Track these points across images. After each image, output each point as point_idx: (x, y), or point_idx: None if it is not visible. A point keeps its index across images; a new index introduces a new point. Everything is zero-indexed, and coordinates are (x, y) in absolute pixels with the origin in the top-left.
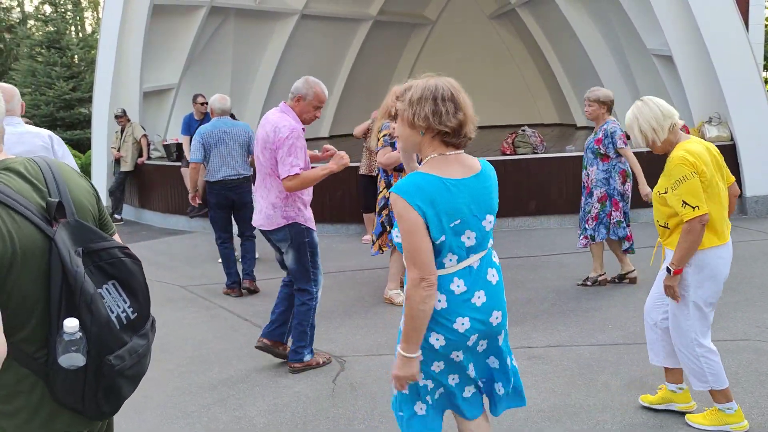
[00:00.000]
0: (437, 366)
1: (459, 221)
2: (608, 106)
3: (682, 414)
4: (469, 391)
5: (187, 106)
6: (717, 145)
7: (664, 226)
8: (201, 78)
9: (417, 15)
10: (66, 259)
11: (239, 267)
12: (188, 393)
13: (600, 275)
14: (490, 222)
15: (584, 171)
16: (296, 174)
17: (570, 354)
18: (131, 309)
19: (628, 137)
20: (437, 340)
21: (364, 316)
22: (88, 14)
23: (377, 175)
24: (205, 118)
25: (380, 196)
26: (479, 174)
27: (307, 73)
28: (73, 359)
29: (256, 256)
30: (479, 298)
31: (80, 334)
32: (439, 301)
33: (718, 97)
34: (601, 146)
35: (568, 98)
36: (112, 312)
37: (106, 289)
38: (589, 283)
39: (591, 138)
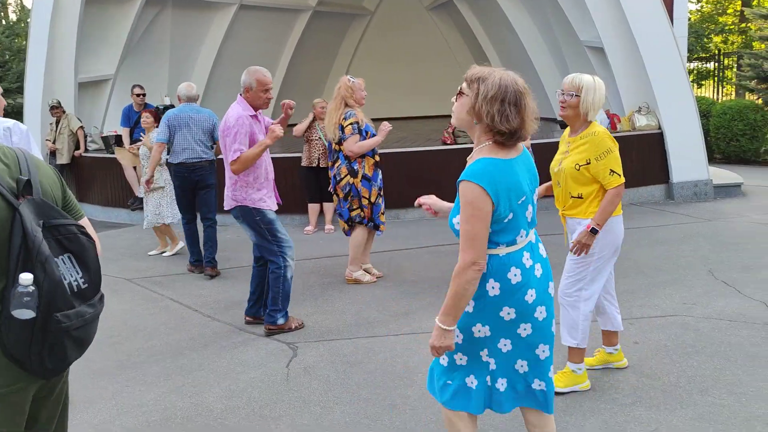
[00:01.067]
0: (504, 344)
1: (524, 198)
2: None
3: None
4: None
5: (125, 97)
6: (646, 134)
7: (578, 197)
8: (138, 68)
9: (356, 6)
10: (27, 225)
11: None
12: (142, 383)
13: None
14: (536, 195)
15: None
16: (237, 158)
17: None
18: (83, 280)
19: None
20: (508, 314)
21: (314, 303)
22: (11, 1)
23: (317, 166)
24: (145, 108)
25: (344, 182)
26: (524, 151)
27: (246, 64)
28: (24, 312)
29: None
30: (538, 270)
31: (33, 288)
32: (515, 275)
33: (647, 87)
34: None
35: None
36: (65, 279)
37: (62, 260)
38: None
39: None
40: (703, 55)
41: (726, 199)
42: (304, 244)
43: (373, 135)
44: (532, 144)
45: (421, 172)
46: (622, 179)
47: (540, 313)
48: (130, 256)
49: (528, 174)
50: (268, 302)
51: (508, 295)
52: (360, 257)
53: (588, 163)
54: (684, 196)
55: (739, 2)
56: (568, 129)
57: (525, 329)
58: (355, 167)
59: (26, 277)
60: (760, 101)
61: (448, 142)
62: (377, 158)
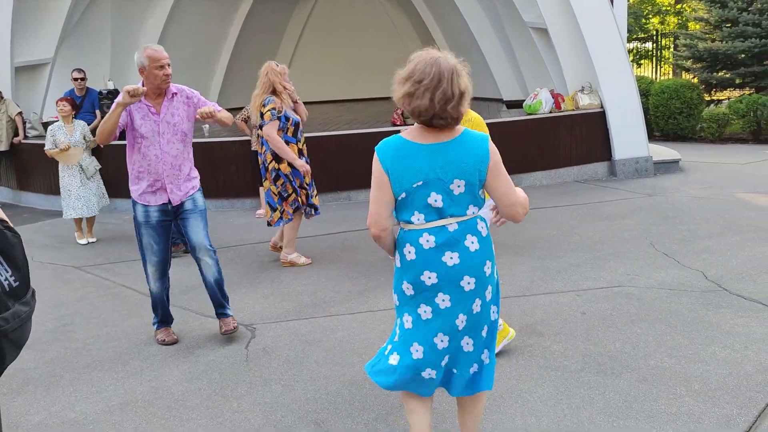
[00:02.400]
0: (406, 319)
1: (421, 182)
2: None
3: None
4: (429, 372)
5: (65, 81)
6: (589, 113)
7: None
8: (78, 52)
9: None
10: None
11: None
12: (99, 369)
13: None
14: (459, 186)
15: None
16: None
17: None
18: (13, 278)
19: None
20: (407, 289)
21: (269, 285)
22: None
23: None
24: (87, 93)
25: (270, 167)
26: (454, 140)
27: (191, 46)
28: None
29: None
30: (451, 258)
31: None
32: (409, 252)
33: (589, 67)
34: None
35: None
36: None
37: None
38: None
39: None
40: (642, 36)
41: (665, 175)
42: (257, 227)
43: (296, 121)
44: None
45: (371, 154)
46: None
47: (442, 301)
48: (77, 244)
49: (443, 162)
50: None
51: (405, 269)
52: (294, 240)
53: None
54: (626, 173)
55: None
56: None
57: (425, 311)
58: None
59: None
60: (695, 80)
61: (398, 123)
62: (301, 145)
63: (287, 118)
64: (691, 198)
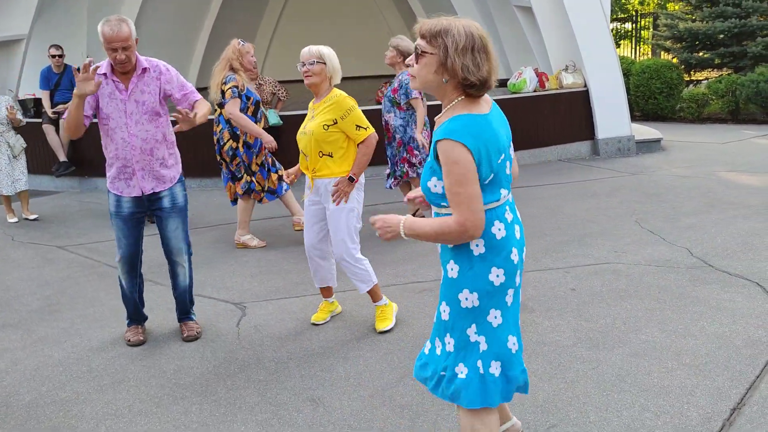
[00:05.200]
0: (494, 316)
1: (503, 155)
2: (405, 56)
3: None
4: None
5: (42, 58)
6: (572, 92)
7: (329, 155)
8: (55, 28)
9: None
10: None
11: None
12: (89, 349)
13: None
14: (512, 150)
15: (383, 118)
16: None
17: None
18: None
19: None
20: (497, 277)
21: (256, 264)
22: None
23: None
24: (65, 70)
25: (227, 146)
26: (494, 105)
27: (171, 20)
28: None
29: None
30: (517, 231)
31: None
32: (499, 230)
33: (573, 46)
34: (396, 95)
35: None
36: None
37: None
38: None
39: (389, 87)
40: (622, 16)
41: (647, 154)
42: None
43: (256, 100)
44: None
45: None
46: (369, 131)
47: (518, 278)
48: (59, 224)
49: (503, 128)
50: None
51: (494, 252)
52: (247, 222)
53: (335, 123)
54: (609, 152)
55: None
56: (314, 99)
57: (509, 297)
58: (237, 131)
59: None
60: (675, 60)
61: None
62: (260, 125)
63: (248, 97)
64: (674, 176)
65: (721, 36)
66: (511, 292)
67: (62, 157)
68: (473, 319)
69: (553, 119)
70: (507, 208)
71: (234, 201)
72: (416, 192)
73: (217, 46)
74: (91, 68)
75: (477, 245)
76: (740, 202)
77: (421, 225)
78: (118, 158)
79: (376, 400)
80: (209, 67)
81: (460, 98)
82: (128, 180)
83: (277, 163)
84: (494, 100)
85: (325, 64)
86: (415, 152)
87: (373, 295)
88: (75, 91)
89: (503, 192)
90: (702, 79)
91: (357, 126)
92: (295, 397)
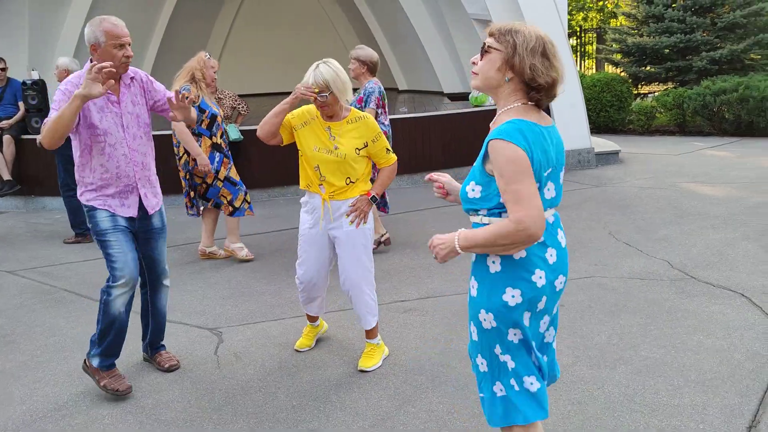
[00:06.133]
0: (514, 333)
1: (550, 170)
2: (369, 66)
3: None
4: (532, 383)
5: None
6: None
7: (353, 181)
8: None
9: None
10: None
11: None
12: (54, 383)
13: (382, 234)
14: (563, 174)
15: None
16: (43, 123)
17: (442, 304)
18: None
19: (383, 104)
20: (512, 297)
21: (227, 286)
22: None
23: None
24: (8, 83)
25: (182, 161)
26: (553, 124)
27: None
28: None
29: None
30: (551, 255)
31: None
32: (521, 250)
33: None
34: (361, 105)
35: (390, 63)
36: None
37: None
38: (374, 246)
39: (354, 98)
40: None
41: (607, 166)
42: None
43: (212, 113)
44: (426, 116)
45: None
46: (394, 155)
47: (544, 303)
48: (5, 246)
49: (555, 148)
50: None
51: (511, 271)
52: (212, 234)
53: (366, 146)
54: (570, 164)
55: None
56: (314, 115)
57: (526, 318)
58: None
59: None
60: (623, 74)
61: None
62: (217, 140)
63: (202, 110)
64: (638, 188)
65: (667, 51)
66: (527, 315)
67: (6, 176)
68: (496, 340)
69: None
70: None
71: (195, 213)
72: (443, 177)
73: (166, 58)
74: (97, 66)
75: (494, 262)
76: (706, 212)
77: (475, 234)
78: (120, 178)
79: (377, 430)
80: (160, 76)
81: (517, 103)
82: (124, 200)
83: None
84: (457, 113)
85: (335, 92)
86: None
87: (371, 330)
88: (79, 91)
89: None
90: (649, 93)
91: (387, 149)
92: (290, 430)
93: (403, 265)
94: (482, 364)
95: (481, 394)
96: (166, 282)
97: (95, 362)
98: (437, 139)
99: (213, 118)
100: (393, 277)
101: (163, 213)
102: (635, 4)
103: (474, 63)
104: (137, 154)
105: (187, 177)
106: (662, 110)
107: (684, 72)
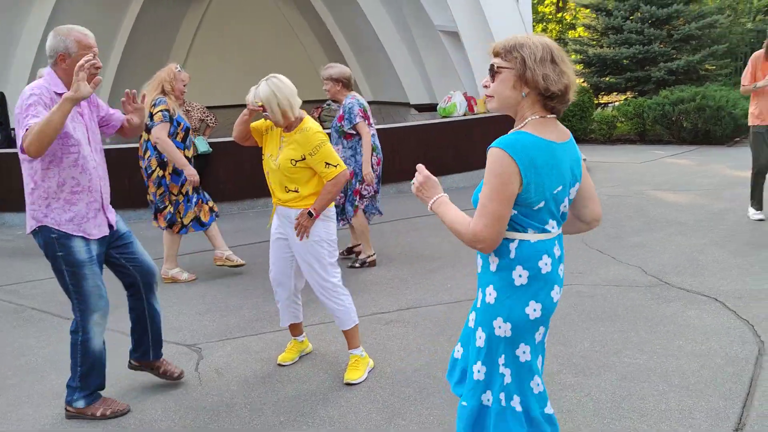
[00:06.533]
0: (522, 351)
1: (561, 187)
2: (343, 83)
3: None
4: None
5: None
6: (500, 115)
7: (295, 191)
8: None
9: None
10: None
11: None
12: (30, 404)
13: (369, 255)
14: (575, 190)
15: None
16: (27, 130)
17: (422, 315)
18: None
19: (365, 116)
20: (534, 311)
21: (202, 301)
22: None
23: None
24: None
25: (154, 175)
26: (571, 139)
27: None
28: None
29: None
30: (561, 269)
31: None
32: (546, 264)
33: None
34: (342, 123)
35: (355, 74)
36: None
37: None
38: (357, 265)
39: (336, 115)
40: None
41: None
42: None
43: (186, 126)
44: (396, 127)
45: None
46: (339, 168)
47: (550, 319)
48: None
49: (571, 163)
50: (71, 371)
51: (537, 286)
52: (174, 255)
53: (303, 159)
54: None
55: None
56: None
57: (540, 334)
58: (165, 159)
59: None
60: (585, 84)
61: None
62: (190, 153)
63: (178, 123)
64: (606, 196)
65: (626, 61)
66: (542, 329)
67: None
68: (503, 350)
69: (483, 142)
70: (556, 242)
71: (165, 227)
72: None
73: (128, 68)
74: (86, 61)
75: (521, 275)
76: (674, 219)
77: (445, 210)
78: (91, 191)
79: None
80: (120, 90)
81: (535, 116)
82: (95, 218)
83: (206, 194)
84: (427, 124)
85: (273, 110)
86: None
87: (351, 339)
88: (69, 94)
89: (552, 224)
90: (609, 103)
91: (326, 163)
92: None
93: (379, 276)
94: (479, 372)
95: (464, 403)
96: (155, 281)
97: (81, 404)
98: (408, 150)
99: (187, 131)
100: (370, 288)
101: (119, 218)
102: (595, 16)
103: (486, 86)
104: (101, 168)
105: (162, 192)
106: (623, 119)
107: (643, 82)
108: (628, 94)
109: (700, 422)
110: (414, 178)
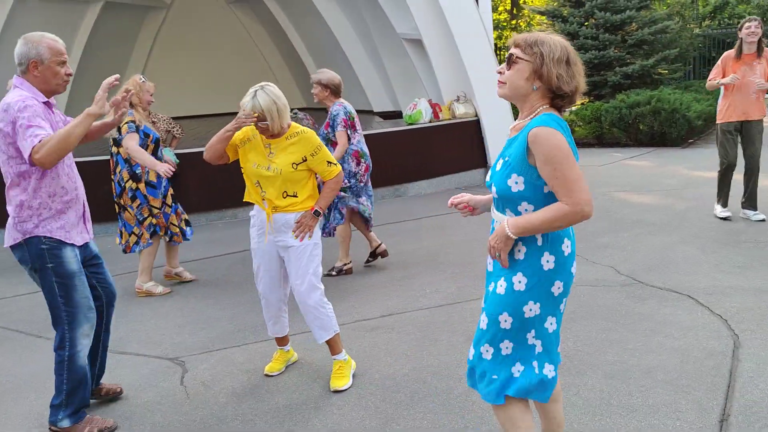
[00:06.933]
0: (550, 323)
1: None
2: (332, 89)
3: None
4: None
5: None
6: (465, 121)
7: (294, 195)
8: None
9: None
10: None
11: None
12: (10, 427)
13: (345, 263)
14: None
15: None
16: (40, 142)
17: (405, 320)
18: None
19: (352, 123)
20: (558, 288)
21: (180, 314)
22: None
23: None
24: None
25: (127, 188)
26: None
27: None
28: None
29: None
30: (574, 245)
31: None
32: (567, 246)
33: (464, 77)
34: (329, 130)
35: None
36: None
37: None
38: (334, 273)
39: (323, 123)
40: None
41: None
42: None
43: (156, 137)
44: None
45: None
46: (338, 167)
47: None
48: None
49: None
50: (55, 390)
51: (560, 267)
52: (150, 268)
53: (304, 161)
54: None
55: (509, 1)
56: (256, 133)
57: (563, 305)
58: (138, 171)
59: None
60: None
61: None
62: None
63: (146, 134)
64: None
65: (583, 67)
66: (565, 300)
67: None
68: (533, 326)
69: (448, 148)
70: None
71: (126, 251)
72: (462, 197)
73: (84, 79)
74: (110, 83)
75: (548, 261)
76: (640, 219)
77: (528, 219)
78: (78, 199)
79: None
80: (76, 102)
81: (543, 106)
82: (77, 226)
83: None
84: (393, 131)
85: (273, 119)
86: (353, 185)
87: (334, 346)
88: (92, 109)
89: None
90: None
91: (328, 162)
92: None
93: (357, 284)
94: (507, 348)
95: (494, 376)
96: (114, 303)
97: (66, 423)
98: (373, 157)
99: (157, 141)
100: (350, 296)
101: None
102: (551, 22)
103: (500, 72)
104: (78, 177)
105: (137, 204)
106: (581, 123)
107: (600, 86)
108: (586, 99)
109: (686, 415)
110: (488, 249)
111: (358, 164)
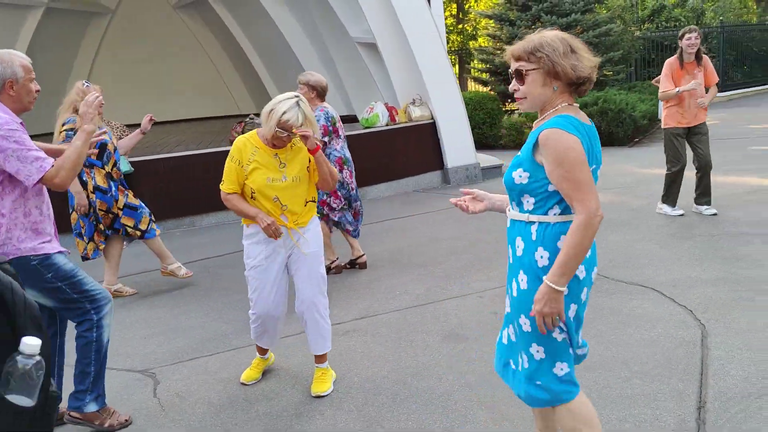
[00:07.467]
0: (573, 310)
1: (594, 166)
2: (318, 92)
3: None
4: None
5: None
6: (421, 124)
7: (312, 200)
8: None
9: (92, 2)
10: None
11: None
12: None
13: (333, 261)
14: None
15: None
16: (53, 165)
17: (379, 323)
18: None
19: (334, 129)
20: (580, 271)
21: (145, 324)
22: None
23: None
24: None
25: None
26: (593, 124)
27: None
28: (22, 398)
29: None
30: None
31: (39, 358)
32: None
33: (419, 80)
34: None
35: (268, 87)
36: None
37: None
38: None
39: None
40: None
41: (492, 180)
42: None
43: (101, 143)
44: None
45: (212, 175)
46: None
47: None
48: None
49: (598, 143)
50: (74, 380)
51: (588, 258)
52: (116, 272)
53: (310, 162)
54: (458, 180)
55: (455, 5)
56: (257, 145)
57: (584, 294)
58: (84, 178)
59: (33, 343)
60: (492, 92)
61: None
62: (109, 169)
63: (103, 144)
64: None
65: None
66: (585, 290)
67: None
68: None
69: (406, 151)
70: None
71: (86, 257)
72: (468, 191)
73: None
74: (97, 100)
75: (542, 256)
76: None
77: (558, 260)
78: (50, 219)
79: None
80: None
81: (562, 104)
82: (54, 234)
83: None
84: (351, 135)
85: (310, 128)
86: (339, 192)
87: (322, 355)
88: (89, 126)
89: None
90: (516, 109)
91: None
92: None
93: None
94: (538, 351)
95: (538, 382)
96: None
97: (93, 407)
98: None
99: (103, 147)
100: None
101: None
102: (499, 26)
103: (515, 90)
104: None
105: (91, 211)
106: (530, 125)
107: None
108: None
109: (665, 404)
110: (536, 318)
111: (341, 171)
